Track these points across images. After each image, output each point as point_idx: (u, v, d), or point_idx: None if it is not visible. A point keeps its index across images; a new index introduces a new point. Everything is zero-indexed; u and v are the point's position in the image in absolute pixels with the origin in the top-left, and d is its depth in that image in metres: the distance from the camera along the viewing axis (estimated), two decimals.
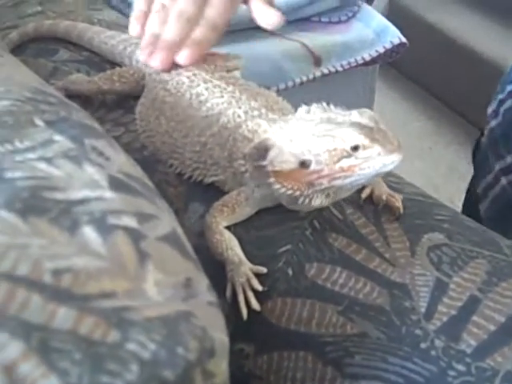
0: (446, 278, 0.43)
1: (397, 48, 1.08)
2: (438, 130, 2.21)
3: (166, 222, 0.34)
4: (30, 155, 0.37)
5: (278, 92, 0.98)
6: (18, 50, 0.71)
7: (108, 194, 0.34)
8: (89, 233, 0.30)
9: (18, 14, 0.77)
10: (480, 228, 0.49)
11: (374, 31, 1.07)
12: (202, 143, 0.50)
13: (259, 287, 0.44)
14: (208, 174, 0.50)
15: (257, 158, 0.46)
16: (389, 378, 0.39)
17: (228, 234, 0.47)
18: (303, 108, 0.47)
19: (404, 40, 1.08)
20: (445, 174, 2.02)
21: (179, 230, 0.36)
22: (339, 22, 1.07)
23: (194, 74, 0.54)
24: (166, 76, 0.55)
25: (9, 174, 0.34)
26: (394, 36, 1.07)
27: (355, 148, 0.42)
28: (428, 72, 2.21)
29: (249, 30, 0.99)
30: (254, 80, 0.96)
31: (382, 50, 1.06)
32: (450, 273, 0.43)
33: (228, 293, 0.45)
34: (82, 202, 0.33)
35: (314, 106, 0.47)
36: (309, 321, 0.42)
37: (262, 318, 0.44)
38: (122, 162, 0.38)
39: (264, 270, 0.45)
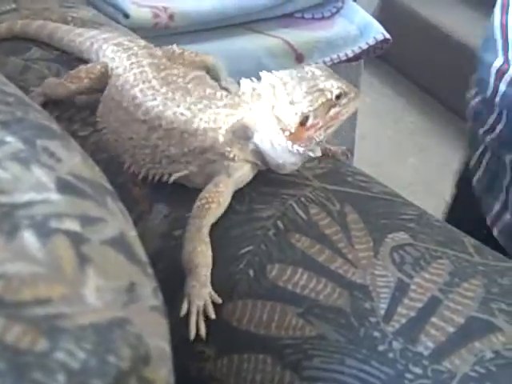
0: (407, 278, 0.42)
1: (380, 44, 1.07)
2: (431, 126, 2.20)
3: (114, 225, 0.34)
4: None
5: None
6: None
7: (54, 196, 0.33)
8: (27, 237, 0.29)
9: None
10: (446, 227, 0.48)
11: (357, 27, 1.07)
12: (152, 146, 0.49)
13: (213, 315, 0.43)
14: (166, 172, 0.50)
15: (242, 135, 0.49)
16: (346, 380, 0.38)
17: (209, 251, 0.46)
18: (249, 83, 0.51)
19: (388, 36, 1.07)
20: (437, 170, 2.02)
21: (130, 233, 0.35)
22: (322, 18, 1.06)
23: (141, 72, 0.53)
24: (120, 71, 0.54)
25: None
26: (378, 32, 1.06)
27: (338, 97, 0.48)
28: (421, 68, 2.20)
29: (229, 26, 0.99)
30: (234, 78, 0.96)
31: (365, 47, 1.06)
32: (412, 273, 0.42)
33: (183, 310, 0.44)
34: (26, 205, 0.32)
35: (265, 75, 0.52)
36: (269, 323, 0.42)
37: (223, 320, 0.43)
38: (74, 163, 0.37)
39: (220, 300, 0.44)
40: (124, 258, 0.32)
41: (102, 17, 0.77)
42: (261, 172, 0.51)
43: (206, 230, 0.46)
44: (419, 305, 0.40)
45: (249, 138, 0.49)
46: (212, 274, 0.45)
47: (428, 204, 1.84)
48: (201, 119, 0.48)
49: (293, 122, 0.47)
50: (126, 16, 0.86)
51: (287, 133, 0.47)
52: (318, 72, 0.49)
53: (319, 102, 0.47)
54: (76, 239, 0.30)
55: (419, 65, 2.22)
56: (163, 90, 0.51)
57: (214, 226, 0.48)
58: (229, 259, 0.45)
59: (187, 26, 0.92)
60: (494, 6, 0.81)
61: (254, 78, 0.51)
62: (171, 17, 0.89)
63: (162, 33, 0.90)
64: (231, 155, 0.48)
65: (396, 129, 2.20)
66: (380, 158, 1.98)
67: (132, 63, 0.54)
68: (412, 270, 0.43)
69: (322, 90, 0.47)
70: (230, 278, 0.45)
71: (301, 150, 0.47)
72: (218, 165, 0.49)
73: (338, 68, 1.06)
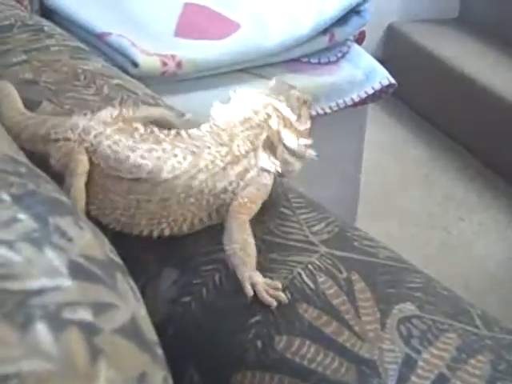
0: (415, 353, 0.42)
1: (386, 89, 1.08)
2: (435, 157, 2.21)
3: (125, 309, 0.34)
4: None
5: None
6: None
7: (66, 282, 0.33)
8: (41, 330, 0.30)
9: (4, 63, 0.77)
10: (452, 296, 0.49)
11: (363, 72, 1.08)
12: (159, 200, 0.51)
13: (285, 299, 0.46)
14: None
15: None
16: None
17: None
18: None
19: (393, 81, 1.08)
20: (441, 201, 2.02)
21: (141, 314, 0.36)
22: (328, 62, 1.08)
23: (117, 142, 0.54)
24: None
25: None
26: (383, 77, 1.08)
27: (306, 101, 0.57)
28: (425, 99, 2.22)
29: (235, 72, 1.00)
30: None
31: (371, 92, 1.07)
32: (420, 348, 0.43)
33: (249, 292, 0.46)
34: (39, 292, 0.32)
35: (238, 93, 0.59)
36: None
37: None
38: (85, 242, 0.38)
39: (279, 285, 0.47)
40: (135, 345, 0.33)
41: (111, 69, 0.78)
42: (268, 238, 0.51)
43: (248, 225, 0.50)
44: (427, 383, 0.40)
45: (275, 151, 0.54)
46: (221, 342, 0.46)
47: (432, 238, 1.84)
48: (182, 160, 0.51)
49: (298, 125, 0.55)
50: (135, 65, 0.87)
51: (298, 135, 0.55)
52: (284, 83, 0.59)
53: (307, 106, 0.57)
54: (88, 330, 0.31)
55: (423, 96, 2.23)
56: (162, 146, 0.52)
57: (220, 294, 0.48)
58: (237, 328, 0.46)
59: (194, 72, 0.93)
60: (499, 38, 0.81)
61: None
62: (179, 64, 0.90)
63: (169, 80, 0.91)
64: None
65: (399, 159, 2.21)
66: (385, 188, 1.99)
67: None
68: (419, 345, 0.43)
69: (302, 97, 0.56)
70: (238, 348, 0.45)
71: (309, 142, 0.57)
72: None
73: (343, 113, 1.07)
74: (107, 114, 0.57)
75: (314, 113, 1.03)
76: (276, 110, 0.54)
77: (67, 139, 0.54)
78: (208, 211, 0.51)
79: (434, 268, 1.73)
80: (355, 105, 1.07)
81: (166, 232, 0.51)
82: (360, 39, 1.12)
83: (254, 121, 0.54)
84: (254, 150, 0.53)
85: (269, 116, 0.54)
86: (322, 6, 1.05)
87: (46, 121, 0.58)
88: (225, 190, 0.51)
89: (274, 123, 0.54)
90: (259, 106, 0.55)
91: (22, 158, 0.48)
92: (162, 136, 0.53)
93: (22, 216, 0.39)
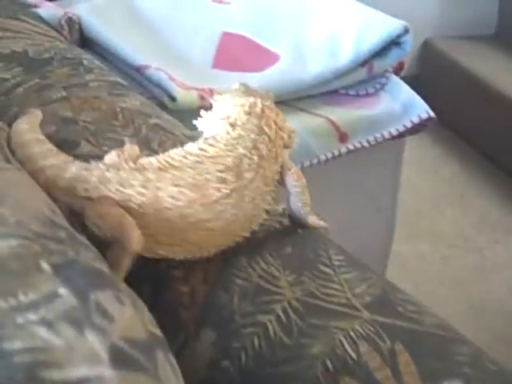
0: None
1: (425, 122, 1.06)
2: (470, 177, 2.17)
3: None
4: (32, 316, 0.36)
5: (302, 169, 0.97)
6: None
7: (107, 372, 0.33)
8: None
9: (43, 100, 0.77)
10: (502, 370, 0.47)
11: (401, 105, 1.06)
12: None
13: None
14: None
15: None
16: None
17: None
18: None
19: (432, 114, 1.06)
20: (476, 223, 1.99)
21: None
22: (367, 94, 1.06)
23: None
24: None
25: (8, 345, 0.34)
26: (422, 110, 1.06)
27: None
28: (460, 116, 2.19)
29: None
30: None
31: (409, 125, 1.05)
32: None
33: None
34: (79, 383, 0.32)
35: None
36: None
37: None
38: (126, 321, 0.37)
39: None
40: None
41: (149, 107, 0.77)
42: (309, 301, 0.50)
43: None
44: None
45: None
46: None
47: (466, 261, 1.81)
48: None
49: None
50: (173, 99, 0.87)
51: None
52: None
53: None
54: None
55: (459, 114, 2.20)
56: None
57: (261, 359, 0.47)
58: None
59: None
60: None
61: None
62: None
63: None
64: None
65: (433, 179, 2.18)
66: (418, 208, 1.96)
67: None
68: None
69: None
70: None
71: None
72: None
73: (379, 145, 1.06)
74: (114, 156, 0.56)
75: (351, 147, 1.01)
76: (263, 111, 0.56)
77: (105, 198, 0.51)
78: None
79: (468, 292, 1.71)
80: (393, 138, 1.05)
81: None
82: (398, 69, 1.10)
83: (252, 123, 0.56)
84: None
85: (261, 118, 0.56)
86: (361, 37, 1.03)
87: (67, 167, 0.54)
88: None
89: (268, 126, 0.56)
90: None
91: (61, 219, 0.47)
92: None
93: (62, 291, 0.38)
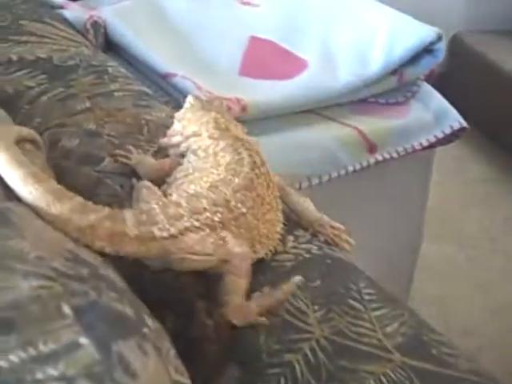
0: None
1: (457, 132, 1.03)
2: (497, 177, 2.13)
3: None
4: (52, 371, 0.34)
5: (330, 181, 0.95)
6: (65, 153, 0.69)
7: None
8: None
9: (68, 111, 0.75)
10: None
11: (433, 114, 1.03)
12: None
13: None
14: None
15: None
16: None
17: None
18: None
19: (464, 124, 1.03)
20: (502, 224, 1.95)
21: None
22: (397, 103, 1.03)
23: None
24: None
25: None
26: (454, 120, 1.03)
27: None
28: (487, 113, 2.14)
29: (300, 113, 0.96)
30: (302, 169, 0.93)
31: (440, 136, 1.02)
32: None
33: None
34: None
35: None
36: None
37: None
38: (150, 375, 0.35)
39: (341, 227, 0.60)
40: None
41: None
42: (337, 340, 0.48)
43: None
44: None
45: None
46: None
47: (492, 262, 1.78)
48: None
49: None
50: None
51: None
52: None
53: None
54: None
55: (486, 110, 2.15)
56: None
57: None
58: None
59: (258, 116, 0.90)
60: None
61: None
62: (244, 108, 0.87)
63: None
64: None
65: (460, 178, 2.14)
66: (444, 209, 1.93)
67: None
68: None
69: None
70: None
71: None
72: None
73: (410, 156, 1.03)
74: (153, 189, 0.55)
75: (380, 158, 0.99)
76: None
77: (185, 229, 0.49)
78: None
79: (493, 293, 1.67)
80: (423, 149, 1.02)
81: None
82: (429, 77, 1.07)
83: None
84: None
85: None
86: (392, 44, 1.00)
87: (122, 213, 0.50)
88: None
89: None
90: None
91: (83, 253, 0.46)
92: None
93: (83, 340, 0.36)
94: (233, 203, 0.51)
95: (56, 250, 0.45)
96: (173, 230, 0.49)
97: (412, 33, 1.01)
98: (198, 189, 0.52)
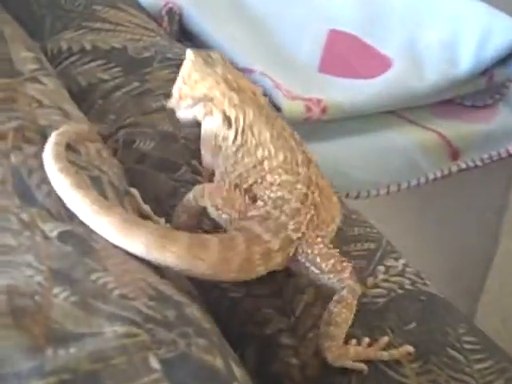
0: None
1: None
2: None
3: None
4: None
5: (409, 188, 0.90)
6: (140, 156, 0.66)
7: None
8: None
9: (142, 109, 0.72)
10: None
11: None
12: None
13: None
14: None
15: None
16: None
17: None
18: None
19: None
20: None
21: None
22: (484, 106, 0.96)
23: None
24: None
25: None
26: None
27: None
28: None
29: (381, 114, 0.91)
30: (382, 175, 0.88)
31: None
32: None
33: None
34: None
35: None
36: None
37: None
38: None
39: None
40: None
41: None
42: None
43: None
44: None
45: None
46: None
47: None
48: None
49: None
50: (278, 108, 0.80)
51: None
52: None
53: None
54: None
55: None
56: None
57: None
58: None
59: (338, 117, 0.85)
60: None
61: None
62: (324, 110, 0.82)
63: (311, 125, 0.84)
64: None
65: None
66: None
67: None
68: None
69: None
70: None
71: None
72: None
73: (494, 164, 0.96)
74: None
75: (463, 165, 0.93)
76: None
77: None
78: None
79: None
80: (509, 156, 0.96)
81: None
82: None
83: None
84: None
85: None
86: (483, 42, 0.93)
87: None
88: None
89: None
90: None
91: (167, 286, 0.43)
92: None
93: None
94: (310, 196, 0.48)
95: (139, 286, 0.42)
96: (303, 228, 0.47)
97: (505, 31, 0.93)
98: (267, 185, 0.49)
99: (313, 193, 0.48)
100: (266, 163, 0.50)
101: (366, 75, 0.90)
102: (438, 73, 0.91)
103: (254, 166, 0.50)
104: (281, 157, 0.50)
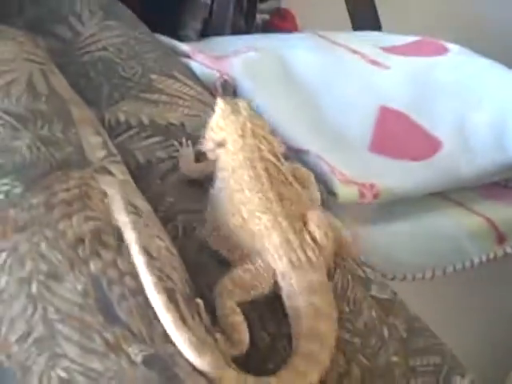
0: None
1: None
2: None
3: None
4: None
5: (455, 271, 0.90)
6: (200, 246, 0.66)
7: None
8: None
9: (201, 194, 0.72)
10: None
11: None
12: None
13: None
14: None
15: None
16: None
17: None
18: None
19: None
20: None
21: None
22: None
23: None
24: None
25: None
26: None
27: None
28: None
29: (429, 197, 0.92)
30: (428, 259, 0.88)
31: None
32: None
33: None
34: None
35: None
36: None
37: None
38: None
39: None
40: None
41: None
42: None
43: None
44: None
45: None
46: None
47: None
48: None
49: None
50: (332, 193, 0.81)
51: None
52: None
53: None
54: None
55: None
56: None
57: None
58: None
59: (389, 200, 0.86)
60: None
61: None
62: (376, 195, 0.83)
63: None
64: None
65: None
66: None
67: None
68: None
69: None
70: None
71: None
72: None
73: None
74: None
75: (509, 250, 0.93)
76: None
77: None
78: None
79: None
80: None
81: None
82: None
83: None
84: None
85: None
86: None
87: None
88: None
89: None
90: None
91: None
92: None
93: None
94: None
95: None
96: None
97: None
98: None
99: None
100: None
101: (416, 157, 0.91)
102: (488, 158, 0.92)
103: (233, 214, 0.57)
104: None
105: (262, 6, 1.35)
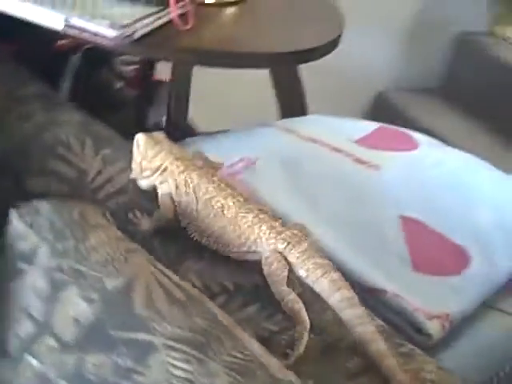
0: None
1: None
2: None
3: None
4: None
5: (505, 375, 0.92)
6: None
7: None
8: None
9: None
10: None
11: None
12: None
13: None
14: None
15: None
16: None
17: None
18: None
19: None
20: None
21: None
22: None
23: None
24: None
25: None
26: None
27: None
28: None
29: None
30: (485, 371, 0.89)
31: None
32: None
33: None
34: None
35: None
36: None
37: None
38: None
39: None
40: None
41: None
42: None
43: None
44: None
45: None
46: None
47: None
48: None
49: None
50: (418, 330, 0.79)
51: None
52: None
53: None
54: None
55: None
56: None
57: None
58: None
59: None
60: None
61: None
62: (451, 323, 0.83)
63: None
64: None
65: None
66: None
67: None
68: None
69: None
70: None
71: None
72: None
73: None
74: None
75: None
76: None
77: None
78: None
79: None
80: None
81: None
82: None
83: None
84: None
85: None
86: None
87: None
88: None
89: None
90: None
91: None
92: None
93: None
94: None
95: None
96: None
97: None
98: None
99: None
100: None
101: (452, 271, 0.92)
102: (508, 257, 0.96)
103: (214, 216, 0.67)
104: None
105: None
